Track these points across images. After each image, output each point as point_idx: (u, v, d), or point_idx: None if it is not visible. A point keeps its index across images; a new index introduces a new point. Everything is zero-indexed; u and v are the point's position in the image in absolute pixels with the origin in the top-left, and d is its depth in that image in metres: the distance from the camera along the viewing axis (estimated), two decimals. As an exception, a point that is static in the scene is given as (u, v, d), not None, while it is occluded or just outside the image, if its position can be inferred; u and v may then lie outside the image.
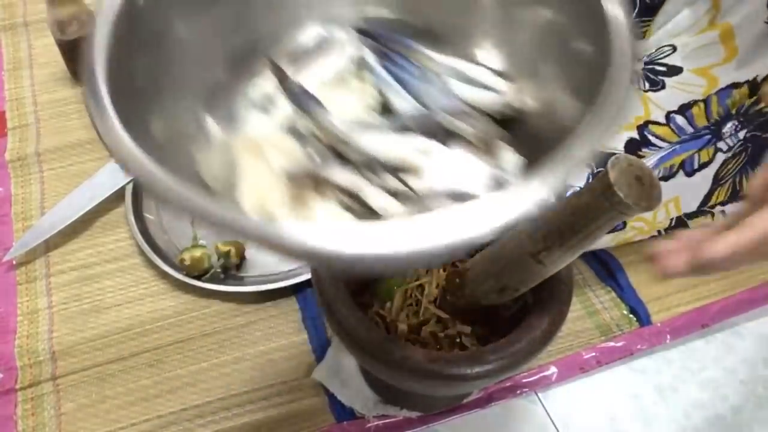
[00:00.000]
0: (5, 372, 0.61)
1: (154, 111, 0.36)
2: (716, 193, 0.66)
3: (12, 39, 0.91)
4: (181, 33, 0.38)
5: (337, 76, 0.44)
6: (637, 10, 0.64)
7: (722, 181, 0.65)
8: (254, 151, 0.39)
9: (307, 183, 0.37)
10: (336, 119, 0.39)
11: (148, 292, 0.67)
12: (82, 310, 0.66)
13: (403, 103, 0.42)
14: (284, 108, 0.42)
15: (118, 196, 0.73)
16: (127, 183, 0.72)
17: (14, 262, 0.69)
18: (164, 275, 0.67)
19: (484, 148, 0.38)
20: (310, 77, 0.43)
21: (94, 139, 0.80)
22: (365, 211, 0.37)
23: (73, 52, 0.82)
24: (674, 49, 0.63)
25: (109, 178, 0.73)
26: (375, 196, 0.37)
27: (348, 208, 0.37)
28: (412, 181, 0.37)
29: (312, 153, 0.38)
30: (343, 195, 0.37)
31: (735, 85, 0.60)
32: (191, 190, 0.28)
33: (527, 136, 0.41)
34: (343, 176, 0.37)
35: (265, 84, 0.43)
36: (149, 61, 0.36)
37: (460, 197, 0.35)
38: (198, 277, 0.66)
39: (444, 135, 0.39)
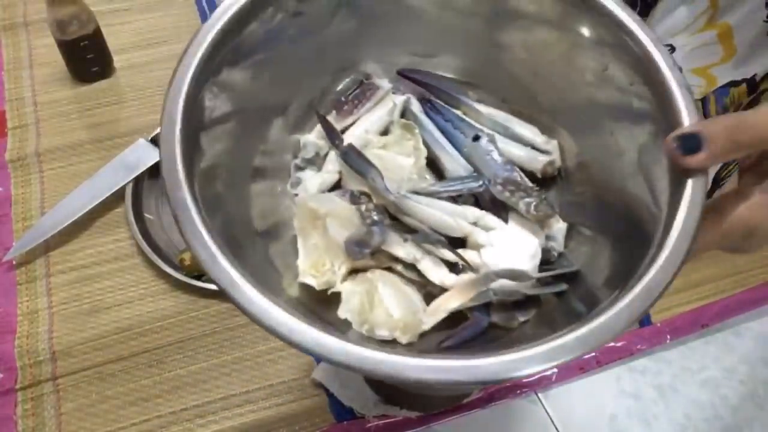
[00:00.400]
0: (5, 372, 0.61)
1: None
2: (715, 194, 0.65)
3: (12, 39, 0.91)
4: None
5: (384, 127, 0.45)
6: (638, 9, 0.64)
7: (722, 183, 0.65)
8: (313, 220, 0.40)
9: (366, 256, 0.38)
10: (390, 183, 0.40)
11: (148, 292, 0.67)
12: (81, 310, 0.66)
13: (451, 162, 0.43)
14: (334, 169, 0.43)
15: (118, 196, 0.72)
16: (126, 183, 0.72)
17: (14, 262, 0.69)
18: (164, 275, 0.67)
19: (535, 221, 0.39)
20: (356, 127, 0.45)
21: (94, 139, 0.80)
22: (422, 281, 0.38)
23: (73, 52, 0.82)
24: (673, 49, 0.63)
25: (109, 178, 0.73)
26: (432, 270, 0.38)
27: (405, 278, 0.39)
28: (469, 255, 0.38)
29: (368, 217, 0.39)
30: (400, 265, 0.39)
31: (733, 84, 0.60)
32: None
33: (569, 196, 0.43)
34: (401, 250, 0.38)
35: (307, 139, 0.44)
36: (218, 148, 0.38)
37: (514, 276, 0.36)
38: (198, 277, 0.66)
39: (496, 206, 0.40)
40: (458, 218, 0.39)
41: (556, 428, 0.61)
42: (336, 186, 0.43)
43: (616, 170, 0.39)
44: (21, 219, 0.72)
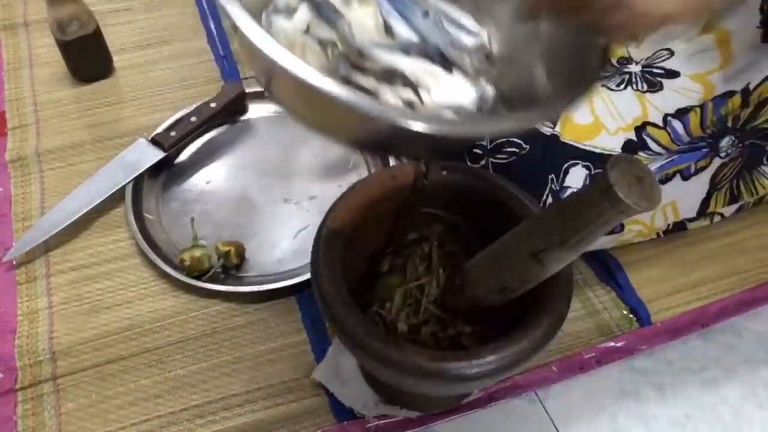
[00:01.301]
0: (5, 372, 0.61)
1: None
2: (714, 197, 0.66)
3: (12, 39, 0.91)
4: None
5: None
6: None
7: (719, 186, 0.65)
8: (295, 48, 0.44)
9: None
10: (356, 32, 0.45)
11: (148, 292, 0.67)
12: (82, 310, 0.66)
13: (403, 29, 0.48)
14: (304, 15, 0.46)
15: (118, 196, 0.73)
16: (126, 183, 0.72)
17: (14, 262, 0.69)
18: (164, 275, 0.67)
19: (474, 78, 0.46)
20: None
21: (94, 139, 0.80)
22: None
23: (73, 52, 0.82)
24: (672, 53, 0.63)
25: (109, 178, 0.73)
26: (391, 100, 0.43)
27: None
28: (422, 94, 0.44)
29: (332, 57, 0.44)
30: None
31: (730, 94, 0.60)
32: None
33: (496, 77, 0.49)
34: (366, 81, 0.43)
35: None
36: None
37: (457, 110, 0.43)
38: (198, 277, 0.66)
39: (442, 61, 0.46)
40: (416, 65, 0.45)
41: (556, 428, 0.61)
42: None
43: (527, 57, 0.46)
44: (21, 219, 0.72)
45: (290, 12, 0.47)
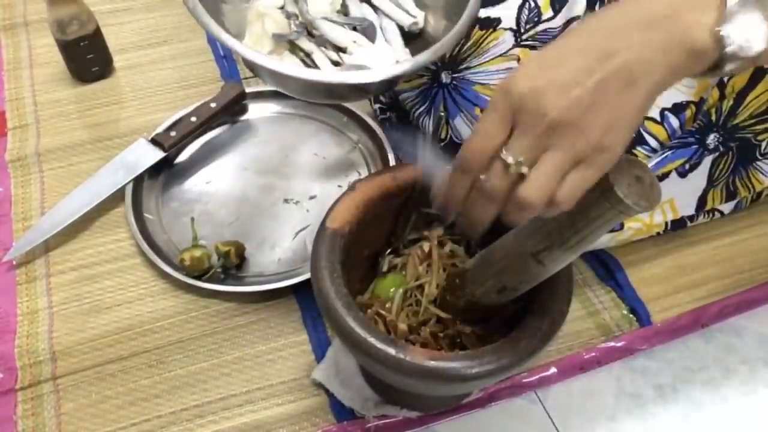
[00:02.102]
0: (5, 372, 0.61)
1: None
2: (711, 193, 0.66)
3: (12, 39, 0.91)
4: None
5: None
6: None
7: (716, 182, 0.65)
8: (258, 18, 0.68)
9: (284, 43, 0.68)
10: (312, 9, 0.68)
11: (148, 292, 0.67)
12: (82, 310, 0.66)
13: (357, 11, 0.70)
14: None
15: (118, 196, 0.73)
16: (126, 183, 0.72)
17: (14, 262, 0.69)
18: (164, 275, 0.67)
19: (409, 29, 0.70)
20: None
21: (94, 139, 0.80)
22: (313, 66, 0.67)
23: (73, 52, 0.82)
24: None
25: (109, 178, 0.73)
26: (320, 59, 0.67)
27: (303, 63, 0.67)
28: (344, 56, 0.67)
29: (293, 26, 0.67)
30: (303, 54, 0.67)
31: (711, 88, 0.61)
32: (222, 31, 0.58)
33: (423, 45, 0.65)
34: (305, 44, 0.67)
35: None
36: None
37: (359, 67, 0.65)
38: (198, 277, 0.66)
39: (373, 36, 0.68)
40: (345, 36, 0.67)
41: (556, 428, 0.61)
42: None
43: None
44: (21, 219, 0.72)
45: None
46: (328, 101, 0.79)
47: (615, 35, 0.35)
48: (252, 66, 0.64)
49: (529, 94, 0.36)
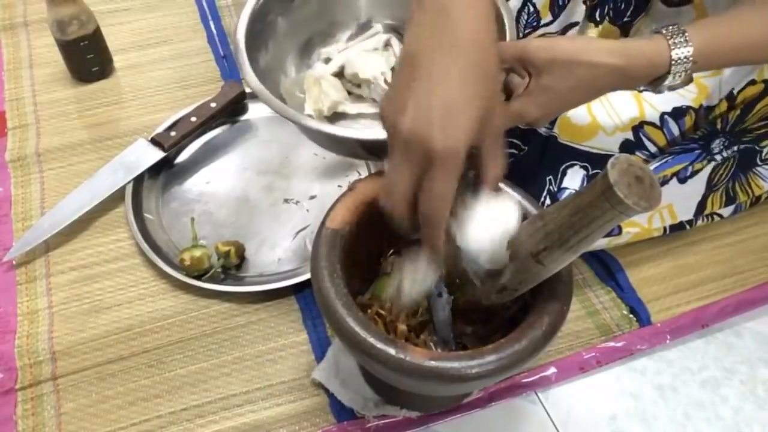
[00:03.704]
0: (5, 372, 0.61)
1: (264, 53, 0.68)
2: (710, 199, 0.66)
3: (12, 39, 0.91)
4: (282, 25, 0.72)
5: (374, 48, 0.77)
6: (632, 8, 0.65)
7: (715, 188, 0.65)
8: (315, 82, 0.73)
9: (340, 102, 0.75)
10: (359, 72, 0.74)
11: (148, 292, 0.67)
12: (82, 310, 0.66)
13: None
14: (337, 63, 0.75)
15: (118, 196, 0.73)
16: (126, 183, 0.72)
17: (14, 262, 0.69)
18: (164, 275, 0.67)
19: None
20: (358, 47, 0.76)
21: (94, 139, 0.80)
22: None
23: (73, 52, 0.82)
24: None
25: (109, 178, 0.73)
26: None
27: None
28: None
29: (347, 88, 0.75)
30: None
31: (717, 101, 0.61)
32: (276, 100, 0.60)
33: None
34: (354, 107, 0.75)
35: (328, 49, 0.77)
36: (267, 32, 0.69)
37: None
38: (198, 277, 0.66)
39: None
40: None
41: (556, 428, 0.61)
42: (337, 75, 0.76)
43: None
44: (21, 219, 0.72)
45: (327, 60, 0.76)
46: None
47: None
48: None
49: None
